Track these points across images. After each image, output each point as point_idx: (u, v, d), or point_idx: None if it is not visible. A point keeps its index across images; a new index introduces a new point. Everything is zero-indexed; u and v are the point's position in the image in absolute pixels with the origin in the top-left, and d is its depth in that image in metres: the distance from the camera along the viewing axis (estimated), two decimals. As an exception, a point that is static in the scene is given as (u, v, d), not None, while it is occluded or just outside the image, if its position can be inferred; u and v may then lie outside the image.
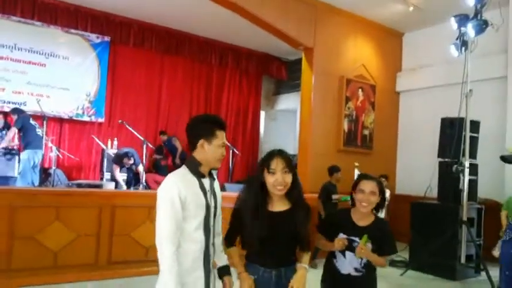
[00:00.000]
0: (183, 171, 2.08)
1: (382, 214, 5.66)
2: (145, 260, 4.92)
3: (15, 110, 6.95)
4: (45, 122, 6.41)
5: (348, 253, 2.46)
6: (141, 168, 7.17)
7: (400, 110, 8.49)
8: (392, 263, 6.08)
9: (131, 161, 7.07)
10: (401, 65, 8.51)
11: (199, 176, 2.08)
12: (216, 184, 2.22)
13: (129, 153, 7.11)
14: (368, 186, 2.44)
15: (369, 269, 2.51)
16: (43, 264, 4.42)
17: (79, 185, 6.70)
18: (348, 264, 2.49)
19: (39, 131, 6.77)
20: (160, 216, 1.97)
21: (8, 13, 7.56)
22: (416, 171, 7.66)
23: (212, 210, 2.11)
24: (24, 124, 6.71)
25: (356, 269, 2.49)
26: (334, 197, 6.02)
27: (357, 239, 2.42)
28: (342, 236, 2.46)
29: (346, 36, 7.61)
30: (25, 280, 4.21)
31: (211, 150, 2.06)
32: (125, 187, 7.30)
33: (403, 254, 6.46)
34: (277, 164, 2.13)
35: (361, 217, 2.50)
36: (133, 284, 4.66)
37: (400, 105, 8.50)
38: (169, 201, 1.95)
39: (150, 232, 4.95)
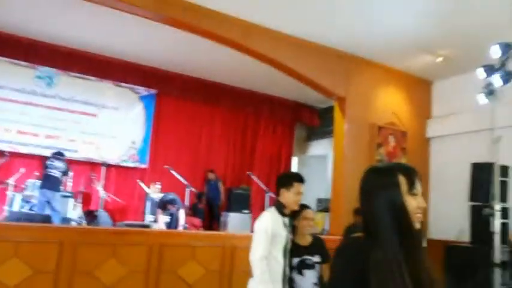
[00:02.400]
0: (272, 210, 2.87)
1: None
2: (189, 297, 5.25)
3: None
4: (102, 168, 6.94)
5: (305, 271, 2.89)
6: (182, 213, 7.58)
7: (430, 156, 8.65)
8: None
9: (175, 208, 7.52)
10: (431, 112, 8.79)
11: (283, 215, 2.83)
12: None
13: (174, 200, 7.58)
14: (310, 214, 3.09)
15: (322, 281, 2.97)
16: (98, 297, 4.79)
17: (128, 225, 7.16)
18: (307, 282, 2.90)
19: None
20: (257, 240, 2.72)
21: (67, 69, 8.43)
22: (448, 216, 7.74)
23: (288, 240, 2.84)
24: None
25: (315, 284, 2.90)
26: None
27: (310, 257, 2.93)
28: (295, 260, 2.91)
29: (377, 86, 8.02)
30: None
31: (289, 196, 2.84)
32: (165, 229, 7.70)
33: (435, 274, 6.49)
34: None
35: (304, 238, 3.01)
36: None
37: (431, 151, 8.67)
38: (264, 230, 2.71)
39: (193, 269, 5.36)
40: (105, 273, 4.82)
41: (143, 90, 9.24)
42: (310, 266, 2.94)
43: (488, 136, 6.01)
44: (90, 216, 8.29)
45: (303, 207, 3.00)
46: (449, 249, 6.33)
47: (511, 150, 6.57)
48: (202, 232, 6.94)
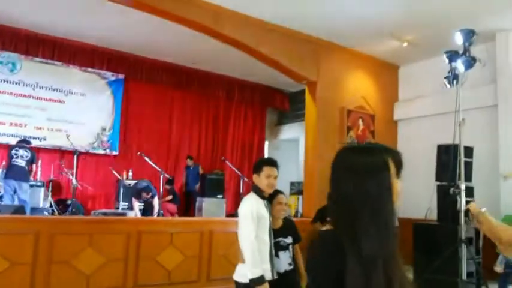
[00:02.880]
0: (253, 195, 2.93)
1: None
2: (169, 282, 5.28)
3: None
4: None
5: (280, 253, 3.04)
6: (156, 200, 7.54)
7: (398, 138, 8.95)
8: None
9: (149, 195, 7.47)
10: (398, 96, 9.05)
11: (262, 198, 2.93)
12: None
13: (148, 187, 7.53)
14: (283, 199, 3.17)
15: (294, 259, 3.13)
16: (77, 286, 4.76)
17: (105, 214, 7.08)
18: (283, 263, 3.03)
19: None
20: (243, 224, 2.80)
21: (31, 54, 8.12)
22: (416, 195, 8.06)
23: (271, 221, 2.95)
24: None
25: (289, 264, 3.07)
26: None
27: (283, 239, 3.07)
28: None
29: (347, 70, 8.17)
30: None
31: (260, 180, 2.94)
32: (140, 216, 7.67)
33: (408, 275, 6.80)
34: None
35: (276, 222, 3.11)
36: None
37: (398, 133, 8.96)
38: (249, 214, 2.77)
39: (172, 256, 5.39)
40: (83, 263, 4.79)
41: (110, 76, 9.05)
42: (284, 248, 3.07)
43: (453, 119, 6.26)
44: (63, 205, 8.14)
45: (277, 192, 3.10)
46: (418, 227, 6.61)
47: (474, 132, 6.90)
48: (179, 218, 6.97)
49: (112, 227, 5.13)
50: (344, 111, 7.95)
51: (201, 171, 9.48)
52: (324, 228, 1.36)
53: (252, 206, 2.83)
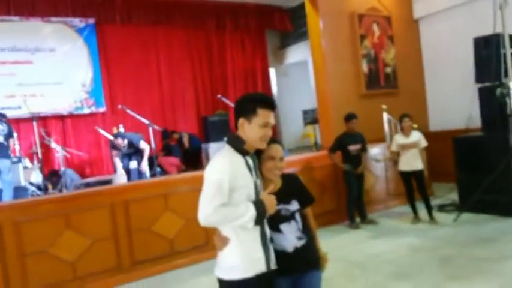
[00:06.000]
0: (228, 151, 1.92)
1: (419, 163, 5.07)
2: (172, 253, 4.52)
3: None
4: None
5: (282, 226, 2.09)
6: (143, 145, 6.56)
7: (422, 40, 7.67)
8: (441, 208, 5.50)
9: (124, 141, 6.40)
10: (416, -12, 7.61)
11: (244, 153, 1.93)
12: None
13: (118, 134, 6.50)
14: (278, 151, 2.09)
15: (306, 230, 2.18)
16: (62, 277, 4.02)
17: (88, 185, 6.23)
18: (289, 238, 2.10)
19: None
20: (206, 194, 1.82)
21: (-20, 13, 6.98)
22: (451, 103, 6.96)
23: (259, 187, 1.98)
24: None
25: (298, 237, 2.12)
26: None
27: (284, 206, 2.10)
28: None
29: (350, -35, 6.76)
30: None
31: (251, 130, 1.90)
32: (123, 175, 6.60)
33: (452, 196, 5.87)
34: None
35: (272, 184, 2.05)
36: (163, 281, 4.24)
37: (422, 33, 7.67)
38: (216, 182, 1.81)
39: (171, 222, 4.53)
40: (63, 249, 4.08)
41: (79, 22, 7.83)
42: (288, 218, 2.11)
43: (488, 4, 4.98)
44: (54, 177, 7.36)
45: (269, 141, 2.02)
46: (459, 140, 5.55)
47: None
48: (171, 176, 6.04)
49: (90, 201, 4.27)
50: (354, 17, 6.75)
51: (185, 140, 8.25)
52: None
53: (222, 171, 1.83)
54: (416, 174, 5.05)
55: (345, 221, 5.41)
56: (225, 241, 1.88)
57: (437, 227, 4.89)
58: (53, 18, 7.61)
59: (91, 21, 7.93)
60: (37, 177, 7.08)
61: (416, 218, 5.15)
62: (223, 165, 1.84)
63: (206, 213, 1.79)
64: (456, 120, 6.47)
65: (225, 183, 1.80)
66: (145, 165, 6.44)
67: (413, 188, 5.14)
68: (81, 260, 4.12)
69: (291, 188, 2.16)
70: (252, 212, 1.81)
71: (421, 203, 5.12)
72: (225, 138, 2.03)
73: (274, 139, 2.08)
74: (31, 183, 6.91)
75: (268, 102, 1.92)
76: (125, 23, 8.15)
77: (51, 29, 7.65)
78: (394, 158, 5.34)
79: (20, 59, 7.41)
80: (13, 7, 7.27)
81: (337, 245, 4.64)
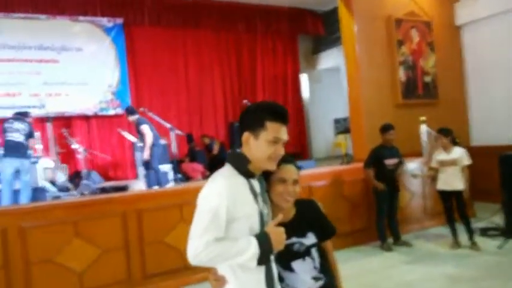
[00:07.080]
0: (229, 172, 1.58)
1: (459, 183, 4.59)
2: (185, 267, 4.21)
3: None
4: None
5: (295, 264, 1.74)
6: (145, 129, 6.14)
7: (464, 47, 7.13)
8: (484, 232, 4.98)
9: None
10: (459, -8, 7.11)
11: (248, 175, 1.58)
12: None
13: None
14: (290, 172, 1.74)
15: (325, 269, 1.82)
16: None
17: (103, 190, 6.02)
18: (303, 278, 1.73)
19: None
20: (198, 224, 1.50)
21: (8, 11, 6.92)
22: (495, 116, 6.40)
23: (267, 217, 1.63)
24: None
25: (315, 278, 1.75)
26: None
27: (298, 240, 1.76)
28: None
29: (389, -32, 6.35)
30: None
31: (258, 147, 1.55)
32: (143, 182, 6.23)
33: (496, 219, 5.33)
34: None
35: (283, 212, 1.68)
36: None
37: (464, 41, 7.13)
38: (212, 211, 1.48)
39: (186, 234, 4.22)
40: (71, 258, 3.85)
41: (107, 22, 7.72)
42: (302, 254, 1.75)
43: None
44: (76, 178, 7.23)
45: (280, 160, 1.64)
46: (506, 158, 5.01)
47: None
48: (190, 185, 5.75)
49: (102, 209, 4.04)
50: (391, 22, 6.30)
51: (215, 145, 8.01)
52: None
53: (219, 197, 1.48)
54: (456, 195, 4.58)
55: (375, 240, 4.98)
56: (221, 282, 1.54)
57: (479, 254, 4.40)
58: (81, 17, 7.55)
59: (119, 21, 7.81)
60: (61, 177, 6.96)
61: (455, 242, 4.66)
62: (220, 190, 1.49)
63: (196, 249, 1.45)
64: (500, 135, 5.94)
65: (222, 212, 1.47)
66: (147, 155, 6.12)
67: (453, 208, 4.66)
68: (89, 270, 3.88)
69: (306, 217, 1.79)
70: (254, 249, 1.46)
71: (461, 225, 4.64)
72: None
73: (287, 157, 1.72)
74: (53, 184, 6.79)
75: (280, 114, 1.57)
76: (154, 24, 8.01)
77: (79, 28, 7.59)
78: (432, 175, 4.88)
79: (46, 58, 7.36)
80: (41, 5, 7.26)
81: (365, 268, 4.22)
